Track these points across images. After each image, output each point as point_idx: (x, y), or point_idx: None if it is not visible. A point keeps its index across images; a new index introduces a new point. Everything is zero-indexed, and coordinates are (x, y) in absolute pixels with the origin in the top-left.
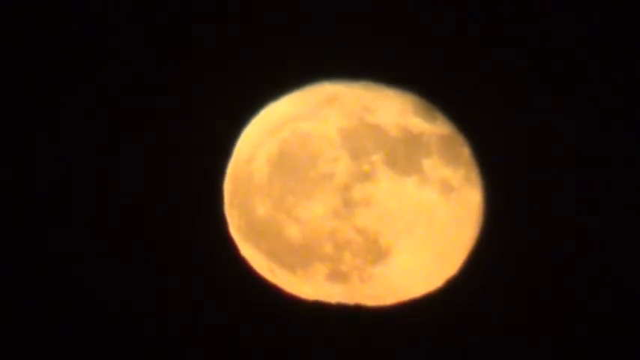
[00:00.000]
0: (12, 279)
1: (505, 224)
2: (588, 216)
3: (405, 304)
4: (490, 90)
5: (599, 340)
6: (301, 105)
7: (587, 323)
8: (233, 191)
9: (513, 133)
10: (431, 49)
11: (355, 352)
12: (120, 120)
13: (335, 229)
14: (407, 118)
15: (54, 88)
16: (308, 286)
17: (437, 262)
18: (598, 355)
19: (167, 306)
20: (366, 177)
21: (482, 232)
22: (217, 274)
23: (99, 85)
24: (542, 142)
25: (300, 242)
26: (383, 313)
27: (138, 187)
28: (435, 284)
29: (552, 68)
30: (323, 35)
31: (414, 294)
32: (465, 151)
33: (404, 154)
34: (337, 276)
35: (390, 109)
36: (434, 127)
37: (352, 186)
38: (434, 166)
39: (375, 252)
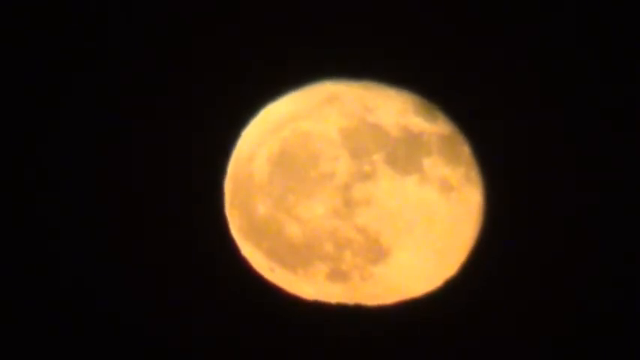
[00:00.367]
0: (12, 279)
1: (505, 224)
2: (588, 216)
3: (406, 304)
4: (490, 90)
5: (599, 340)
6: (302, 104)
7: (587, 323)
8: (233, 191)
9: (513, 133)
10: (431, 48)
11: (355, 352)
12: (120, 120)
13: (335, 228)
14: (407, 117)
15: (54, 88)
16: (308, 285)
17: (437, 261)
18: (598, 355)
19: (167, 306)
20: (367, 176)
21: (482, 231)
22: (218, 273)
23: (99, 85)
24: (542, 142)
25: (301, 241)
26: (383, 313)
27: (138, 187)
28: (436, 283)
29: (552, 68)
30: (323, 35)
31: (414, 293)
32: (465, 151)
33: (404, 154)
34: (338, 275)
35: (391, 108)
36: (434, 127)
37: (353, 185)
38: (434, 165)
39: (376, 251)
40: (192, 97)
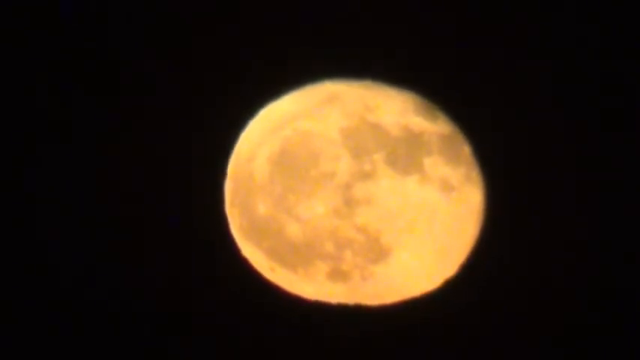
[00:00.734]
0: (12, 279)
1: (505, 223)
2: (588, 216)
3: (406, 303)
4: (490, 89)
5: (599, 340)
6: (302, 104)
7: (587, 323)
8: (234, 190)
9: (514, 133)
10: (431, 48)
11: (355, 352)
12: (120, 120)
13: (336, 227)
14: (408, 117)
15: (54, 88)
16: (309, 284)
17: (437, 260)
18: (598, 355)
19: (167, 306)
20: (367, 176)
21: (482, 231)
22: (218, 273)
23: (99, 85)
24: (542, 142)
25: (301, 241)
26: (383, 313)
27: (138, 187)
28: (436, 283)
29: (552, 68)
30: (323, 35)
31: (414, 293)
32: (466, 150)
33: (405, 153)
34: (338, 275)
35: (391, 108)
36: (435, 126)
37: (353, 185)
38: (434, 165)
39: (376, 251)
40: (192, 97)
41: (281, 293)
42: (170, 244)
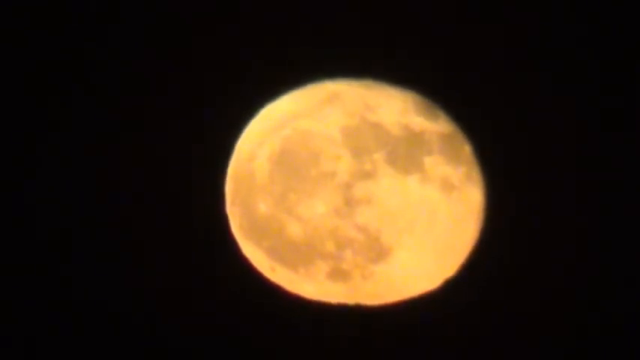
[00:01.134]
0: (12, 279)
1: (505, 223)
2: (588, 216)
3: (406, 303)
4: (491, 89)
5: (599, 340)
6: (302, 103)
7: (587, 323)
8: (234, 190)
9: (514, 132)
10: (432, 48)
11: (355, 352)
12: (120, 120)
13: (336, 227)
14: (408, 116)
15: (54, 88)
16: (309, 284)
17: (438, 260)
18: (598, 355)
19: (167, 306)
20: (368, 175)
21: (482, 230)
22: (218, 272)
23: (99, 85)
24: (542, 142)
25: (302, 240)
26: (383, 313)
27: (138, 187)
28: (436, 282)
29: (552, 68)
30: (323, 35)
31: (415, 292)
32: (466, 150)
33: (405, 153)
34: (338, 274)
35: (392, 107)
36: (435, 126)
37: (354, 184)
38: (435, 164)
39: (377, 250)
40: (192, 97)
41: (281, 293)
42: (170, 244)
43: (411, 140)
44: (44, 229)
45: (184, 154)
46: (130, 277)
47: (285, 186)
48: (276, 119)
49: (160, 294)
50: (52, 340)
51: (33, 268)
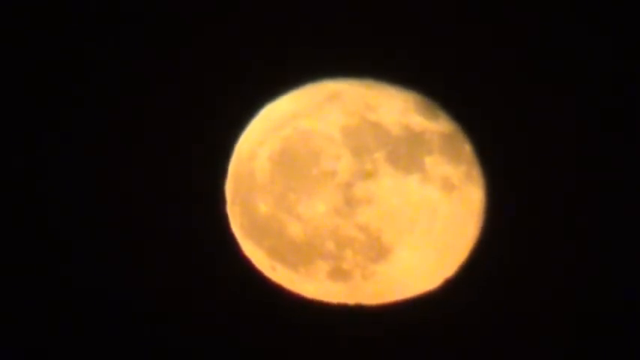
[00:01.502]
0: (12, 279)
1: (506, 222)
2: (588, 216)
3: (406, 303)
4: (491, 89)
5: (599, 340)
6: (303, 103)
7: (587, 323)
8: (235, 189)
9: (514, 132)
10: (432, 47)
11: (355, 352)
12: (120, 120)
13: (337, 226)
14: (409, 116)
15: (54, 88)
16: (310, 283)
17: (438, 259)
18: (598, 355)
19: (167, 306)
20: (368, 175)
21: (483, 230)
22: (219, 272)
23: (99, 85)
24: (542, 141)
25: (302, 240)
26: (383, 313)
27: (138, 186)
28: (437, 282)
29: (552, 68)
30: (323, 35)
31: (415, 291)
32: (467, 149)
33: (406, 152)
34: (339, 274)
35: (392, 106)
36: (436, 125)
37: (354, 184)
38: (435, 163)
39: (377, 250)
40: (193, 97)
41: (282, 292)
42: (170, 244)
43: (411, 140)
44: (44, 229)
45: (184, 154)
46: (130, 277)
47: (286, 185)
48: (276, 119)
49: (160, 294)
50: (52, 340)
51: (33, 268)
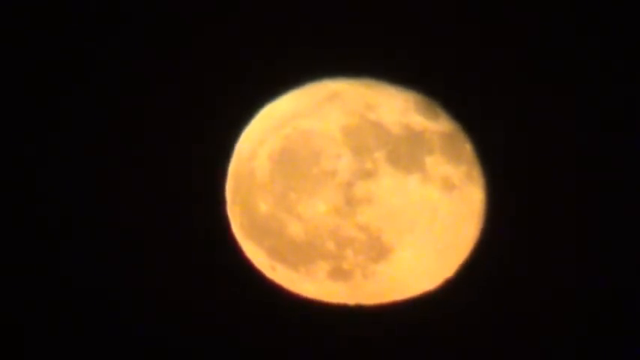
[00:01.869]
0: (12, 279)
1: (506, 223)
2: (588, 216)
3: (406, 303)
4: (491, 88)
5: (599, 340)
6: (303, 102)
7: (587, 323)
8: (235, 189)
9: (515, 131)
10: (432, 47)
11: (355, 352)
12: (120, 120)
13: (337, 226)
14: (409, 115)
15: (54, 88)
16: (310, 283)
17: (439, 259)
18: (598, 355)
19: (168, 305)
20: (368, 174)
21: (483, 230)
22: (219, 272)
23: (99, 85)
24: (542, 141)
25: (303, 240)
26: (383, 313)
27: (138, 186)
28: (437, 281)
29: (552, 68)
30: (323, 35)
31: (416, 291)
32: (467, 149)
33: (406, 152)
34: (339, 273)
35: (392, 106)
36: (436, 125)
37: (354, 183)
38: (436, 163)
39: (378, 249)
40: (193, 97)
41: (282, 292)
42: (170, 244)
43: (411, 139)
44: (44, 229)
45: (184, 154)
46: (130, 277)
47: (286, 185)
48: (276, 118)
49: (160, 294)
50: (52, 340)
51: (33, 268)
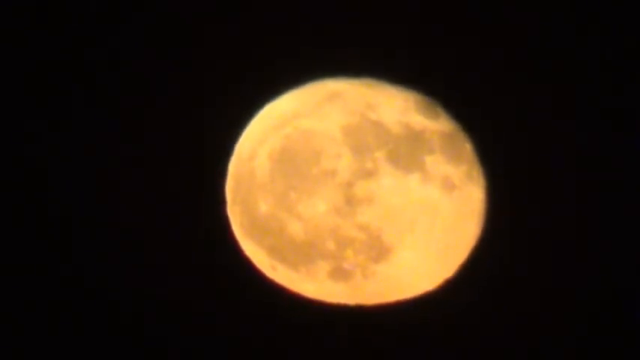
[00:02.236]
0: (12, 279)
1: (506, 222)
2: (588, 216)
3: (406, 303)
4: (491, 88)
5: (599, 340)
6: (303, 102)
7: (587, 323)
8: (235, 189)
9: (515, 131)
10: (433, 47)
11: (355, 352)
12: (120, 120)
13: (337, 226)
14: (409, 115)
15: (53, 88)
16: (310, 283)
17: (439, 259)
18: (598, 355)
19: (168, 305)
20: (369, 174)
21: (483, 229)
22: (219, 272)
23: (99, 85)
24: (542, 141)
25: (303, 239)
26: (383, 313)
27: (138, 187)
28: (438, 281)
29: (552, 68)
30: (323, 35)
31: (416, 291)
32: (468, 149)
33: (406, 151)
34: (340, 273)
35: (393, 106)
36: (436, 125)
37: (355, 183)
38: (436, 163)
39: (378, 249)
40: (193, 97)
41: (282, 292)
42: (170, 244)
43: (411, 139)
44: (44, 229)
45: (184, 154)
46: (130, 277)
47: (286, 185)
48: (276, 118)
49: (160, 294)
50: (52, 340)
51: (33, 268)
